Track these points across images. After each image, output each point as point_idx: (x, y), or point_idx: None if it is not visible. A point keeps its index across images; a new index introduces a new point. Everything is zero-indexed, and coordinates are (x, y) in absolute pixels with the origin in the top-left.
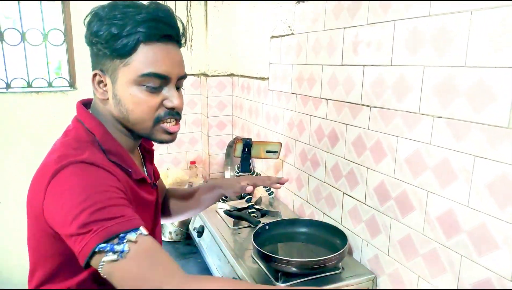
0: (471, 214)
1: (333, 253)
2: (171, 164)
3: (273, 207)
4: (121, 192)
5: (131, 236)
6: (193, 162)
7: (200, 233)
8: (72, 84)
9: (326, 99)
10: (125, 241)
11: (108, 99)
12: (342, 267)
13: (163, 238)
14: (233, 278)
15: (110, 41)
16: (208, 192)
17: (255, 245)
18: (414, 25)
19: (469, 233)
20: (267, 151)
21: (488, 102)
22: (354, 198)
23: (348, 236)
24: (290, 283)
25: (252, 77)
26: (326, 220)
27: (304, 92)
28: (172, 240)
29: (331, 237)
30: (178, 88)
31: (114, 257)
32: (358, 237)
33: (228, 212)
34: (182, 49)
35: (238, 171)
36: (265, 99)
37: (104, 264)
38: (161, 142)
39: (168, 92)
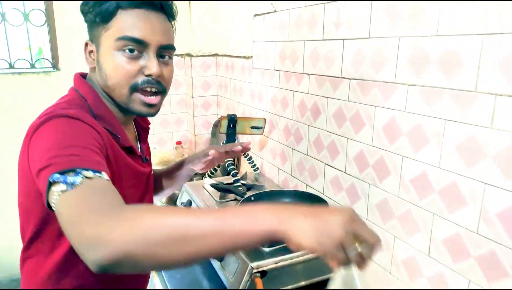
0: (442, 174)
1: None
2: (157, 145)
3: (258, 182)
4: (98, 144)
5: (88, 173)
6: (179, 142)
7: (188, 207)
8: (55, 65)
9: (308, 74)
10: (80, 175)
11: (94, 67)
12: None
13: None
14: None
15: (93, 8)
16: (179, 169)
17: None
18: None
19: (440, 193)
20: (252, 127)
21: (457, 68)
22: (335, 168)
23: (330, 204)
24: (275, 247)
25: (236, 56)
26: (309, 191)
27: (287, 69)
28: None
29: (314, 206)
30: (163, 57)
31: (64, 187)
32: (339, 204)
33: (215, 185)
34: None
35: None
36: (249, 78)
37: (56, 198)
38: (140, 114)
39: (148, 60)
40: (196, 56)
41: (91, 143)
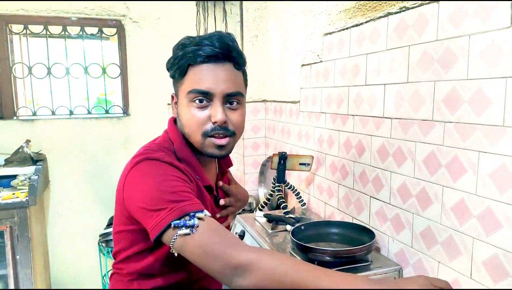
0: (478, 200)
1: None
2: None
3: (305, 216)
4: (187, 184)
5: (200, 214)
6: None
7: (242, 236)
8: (125, 111)
9: (352, 115)
10: (195, 218)
11: (178, 116)
12: (371, 260)
13: None
14: None
15: (173, 65)
16: None
17: (294, 239)
18: (424, 48)
19: (478, 217)
20: (300, 164)
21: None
22: (379, 200)
23: (376, 235)
24: None
25: (284, 101)
26: (355, 222)
27: (332, 111)
28: None
29: (360, 236)
30: (231, 103)
31: (187, 231)
32: (385, 234)
33: (268, 215)
34: None
35: (274, 182)
36: (296, 120)
37: (177, 238)
38: (211, 156)
39: (213, 108)
40: (247, 102)
41: (186, 186)
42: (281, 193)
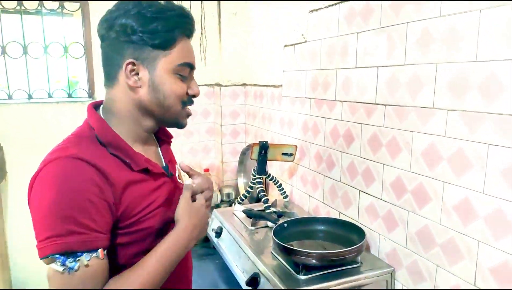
0: (486, 200)
1: None
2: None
3: (288, 209)
4: (100, 196)
5: (85, 258)
6: (206, 170)
7: (219, 233)
8: (90, 95)
9: (340, 101)
10: (77, 260)
11: (140, 87)
12: (361, 262)
13: None
14: (254, 273)
15: (153, 35)
16: None
17: (276, 240)
18: (425, 25)
19: (485, 219)
20: (283, 154)
21: (498, 93)
22: (370, 194)
23: (365, 232)
24: (311, 275)
25: (266, 85)
26: (343, 218)
27: (318, 96)
28: None
29: (349, 234)
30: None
31: (61, 269)
32: (375, 232)
33: (247, 211)
34: (197, 60)
35: (254, 173)
36: (279, 106)
37: (51, 268)
38: (182, 126)
39: (191, 81)
40: (225, 86)
41: (88, 201)
42: (262, 185)
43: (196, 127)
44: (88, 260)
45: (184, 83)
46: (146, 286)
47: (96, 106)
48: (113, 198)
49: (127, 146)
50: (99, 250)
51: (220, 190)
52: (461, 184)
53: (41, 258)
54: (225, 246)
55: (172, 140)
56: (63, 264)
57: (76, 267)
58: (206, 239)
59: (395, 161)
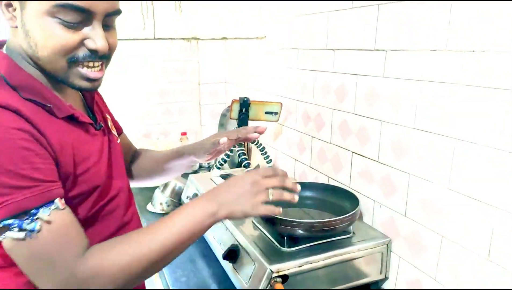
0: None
1: None
2: (160, 135)
3: None
4: (34, 142)
5: (44, 213)
6: (184, 133)
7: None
8: None
9: (333, 49)
10: (36, 218)
11: (16, 27)
12: (353, 232)
13: (153, 210)
14: (232, 245)
15: None
16: (177, 158)
17: None
18: None
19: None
20: (266, 112)
21: None
22: (364, 156)
23: (359, 198)
24: (296, 248)
25: (248, 38)
26: (332, 183)
27: (307, 46)
28: (163, 211)
29: (339, 201)
30: (107, 26)
31: (21, 235)
32: (370, 199)
33: (225, 176)
34: (171, 10)
35: None
36: (262, 60)
37: (6, 239)
38: (79, 89)
39: (92, 30)
40: (204, 40)
41: (23, 148)
42: (242, 148)
43: (171, 87)
44: (49, 215)
45: (74, 32)
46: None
47: (0, 44)
48: (50, 148)
49: (44, 87)
50: (56, 200)
51: None
52: (478, 141)
53: None
54: None
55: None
56: (20, 229)
57: (37, 227)
58: None
59: (396, 117)
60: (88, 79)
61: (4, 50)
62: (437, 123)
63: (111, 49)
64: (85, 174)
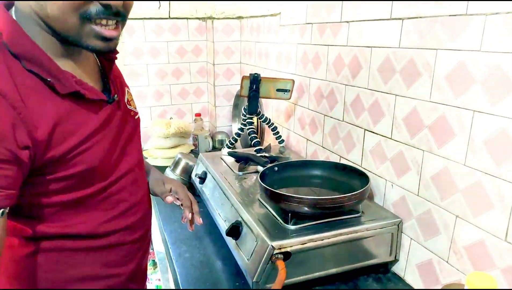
0: None
1: None
2: (174, 116)
3: (283, 155)
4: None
5: None
6: (198, 114)
7: (203, 179)
8: None
9: (347, 22)
10: None
11: None
12: (362, 211)
13: None
14: (236, 221)
15: None
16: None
17: (262, 184)
18: None
19: None
20: (278, 90)
21: None
22: (377, 133)
23: (369, 178)
24: (301, 225)
25: (263, 16)
26: (344, 163)
27: (320, 20)
28: None
29: (350, 180)
30: None
31: None
32: (381, 178)
33: (232, 153)
34: None
35: (245, 112)
36: (275, 38)
37: None
38: (93, 50)
39: None
40: (219, 19)
41: None
42: (253, 127)
43: (186, 66)
44: None
45: None
46: None
47: (8, 5)
48: (29, 139)
49: (49, 60)
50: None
51: (212, 137)
52: (497, 112)
53: None
54: (208, 192)
55: (117, 56)
56: None
57: None
58: (191, 186)
59: (411, 90)
60: (103, 38)
61: (13, 11)
62: (454, 94)
63: (126, 8)
64: (79, 156)
